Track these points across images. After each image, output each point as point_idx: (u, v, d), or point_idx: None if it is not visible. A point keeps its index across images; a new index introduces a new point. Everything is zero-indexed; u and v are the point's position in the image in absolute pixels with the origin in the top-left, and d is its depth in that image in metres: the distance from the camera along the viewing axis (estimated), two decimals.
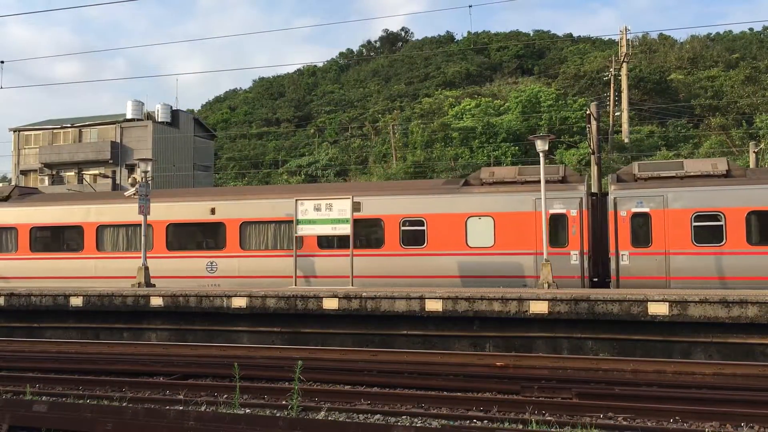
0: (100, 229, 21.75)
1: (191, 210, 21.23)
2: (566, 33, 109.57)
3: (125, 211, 21.27)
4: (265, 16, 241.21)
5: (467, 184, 20.09)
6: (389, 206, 19.68)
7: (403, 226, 19.50)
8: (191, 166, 58.48)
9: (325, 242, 19.90)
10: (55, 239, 22.42)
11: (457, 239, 18.99)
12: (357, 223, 18.77)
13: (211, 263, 20.60)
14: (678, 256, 17.53)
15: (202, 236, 21.33)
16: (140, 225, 19.63)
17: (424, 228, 19.36)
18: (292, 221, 18.91)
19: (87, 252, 21.72)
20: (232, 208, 20.79)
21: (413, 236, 19.45)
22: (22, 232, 22.50)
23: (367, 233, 19.93)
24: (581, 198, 18.31)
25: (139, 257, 19.48)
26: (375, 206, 19.53)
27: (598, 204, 19.11)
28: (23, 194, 24.38)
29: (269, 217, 20.51)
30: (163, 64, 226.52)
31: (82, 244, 21.81)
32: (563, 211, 18.32)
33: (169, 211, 21.22)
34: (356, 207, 18.22)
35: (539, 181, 17.48)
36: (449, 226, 19.10)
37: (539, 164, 17.48)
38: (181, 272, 20.68)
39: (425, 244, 19.28)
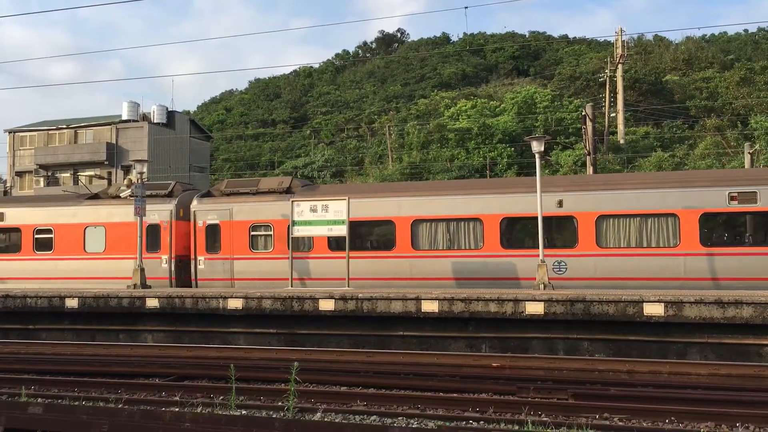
0: (415, 224, 19.29)
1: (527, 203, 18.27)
2: (562, 34, 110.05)
3: (442, 205, 19.11)
4: (261, 16, 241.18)
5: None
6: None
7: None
8: (187, 168, 58.41)
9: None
10: (364, 235, 20.36)
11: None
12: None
13: (559, 263, 18.11)
14: (239, 260, 20.22)
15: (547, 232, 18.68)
16: (461, 219, 18.64)
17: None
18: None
19: (399, 251, 19.25)
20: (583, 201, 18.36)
21: None
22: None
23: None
24: (171, 210, 21.08)
25: (461, 256, 18.40)
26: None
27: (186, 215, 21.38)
28: (305, 187, 22.21)
29: None
30: (159, 65, 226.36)
31: (394, 241, 19.35)
32: (158, 221, 21.05)
33: (504, 203, 18.76)
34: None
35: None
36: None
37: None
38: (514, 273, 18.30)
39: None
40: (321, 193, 20.69)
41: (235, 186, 21.52)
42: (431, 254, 18.99)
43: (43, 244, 22.05)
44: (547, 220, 17.64)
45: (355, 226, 19.18)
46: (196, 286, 20.34)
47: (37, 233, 22.08)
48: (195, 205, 20.99)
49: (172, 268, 20.86)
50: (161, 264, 20.85)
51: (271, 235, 20.20)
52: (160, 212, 20.93)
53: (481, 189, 19.70)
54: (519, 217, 18.57)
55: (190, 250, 20.85)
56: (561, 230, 18.66)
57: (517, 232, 19.01)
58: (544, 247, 17.06)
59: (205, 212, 20.76)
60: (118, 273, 20.73)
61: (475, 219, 18.72)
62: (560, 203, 18.22)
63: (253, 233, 20.34)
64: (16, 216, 22.55)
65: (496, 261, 18.39)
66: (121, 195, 21.73)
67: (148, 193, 20.92)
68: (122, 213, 21.19)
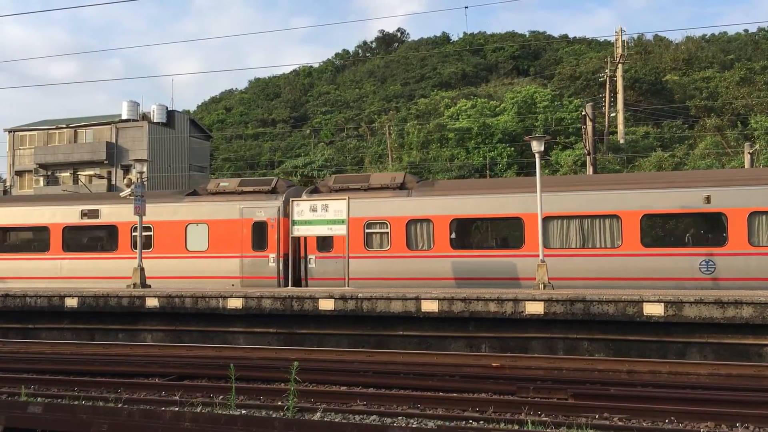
0: (545, 221, 18.22)
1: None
2: (562, 34, 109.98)
3: (576, 201, 18.37)
4: (262, 15, 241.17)
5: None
6: None
7: None
8: (187, 167, 58.40)
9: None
10: (482, 232, 19.93)
11: None
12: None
13: (707, 262, 17.11)
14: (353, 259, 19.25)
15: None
16: (596, 216, 18.02)
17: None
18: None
19: (528, 249, 18.37)
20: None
21: None
22: (440, 224, 19.20)
23: None
24: (278, 207, 20.38)
25: (596, 254, 17.77)
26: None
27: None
28: (420, 183, 21.51)
29: None
30: (159, 65, 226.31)
31: (522, 239, 18.64)
32: (264, 218, 20.38)
33: (645, 199, 17.79)
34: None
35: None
36: None
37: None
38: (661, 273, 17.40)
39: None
40: (439, 189, 19.62)
41: (344, 182, 20.82)
42: (563, 253, 18.18)
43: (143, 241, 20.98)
44: (691, 217, 17.47)
45: (465, 222, 18.87)
46: (307, 286, 19.59)
47: (135, 231, 20.89)
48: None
49: (281, 267, 20.09)
50: (268, 263, 20.11)
51: (387, 233, 19.43)
52: (266, 209, 20.18)
53: (619, 184, 18.81)
54: (662, 214, 17.84)
55: (300, 248, 20.01)
56: (708, 228, 17.88)
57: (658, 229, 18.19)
58: (690, 245, 16.99)
59: None
60: (221, 272, 20.20)
61: (612, 216, 17.99)
62: (707, 199, 17.46)
63: (367, 231, 19.60)
64: (112, 213, 21.81)
65: (636, 260, 17.65)
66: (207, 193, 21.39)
67: (249, 189, 20.78)
68: (226, 210, 20.67)
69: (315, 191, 20.80)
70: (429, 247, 19.11)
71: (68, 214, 22.20)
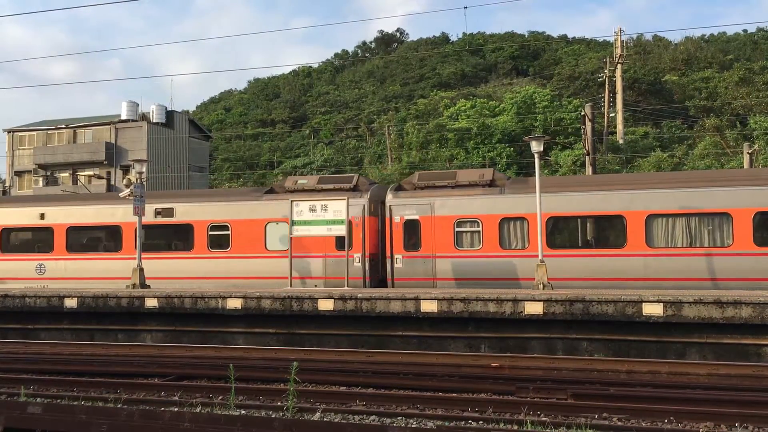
0: (650, 219, 17.66)
1: None
2: (561, 34, 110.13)
3: (681, 198, 17.65)
4: (261, 16, 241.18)
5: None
6: None
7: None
8: (186, 167, 58.41)
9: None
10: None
11: None
12: None
13: None
14: (442, 259, 18.85)
15: None
16: (704, 214, 17.36)
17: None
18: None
19: (630, 248, 17.75)
20: None
21: None
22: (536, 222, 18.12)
23: None
24: (364, 205, 19.63)
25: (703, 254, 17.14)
26: None
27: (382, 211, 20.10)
28: (511, 180, 21.01)
29: None
30: (159, 65, 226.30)
31: (625, 237, 17.83)
32: (348, 217, 19.27)
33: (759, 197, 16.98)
34: None
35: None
36: None
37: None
38: None
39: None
40: (532, 187, 18.40)
41: (430, 178, 20.12)
42: (668, 252, 17.42)
43: (220, 241, 20.66)
44: None
45: (563, 220, 18.36)
46: (392, 286, 18.99)
47: (212, 230, 20.62)
48: (391, 199, 19.57)
49: (367, 267, 19.38)
50: (354, 263, 19.29)
51: (479, 231, 18.70)
52: (350, 207, 19.13)
53: (729, 181, 18.04)
54: None
55: (385, 247, 19.48)
56: None
57: None
58: None
59: (403, 207, 19.34)
60: (304, 272, 19.57)
61: (722, 214, 17.29)
62: None
63: (458, 229, 18.92)
64: (187, 212, 21.15)
65: (749, 260, 16.92)
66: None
67: (330, 187, 20.17)
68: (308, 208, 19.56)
69: (399, 189, 20.09)
70: (523, 246, 18.40)
71: (72, 214, 21.83)
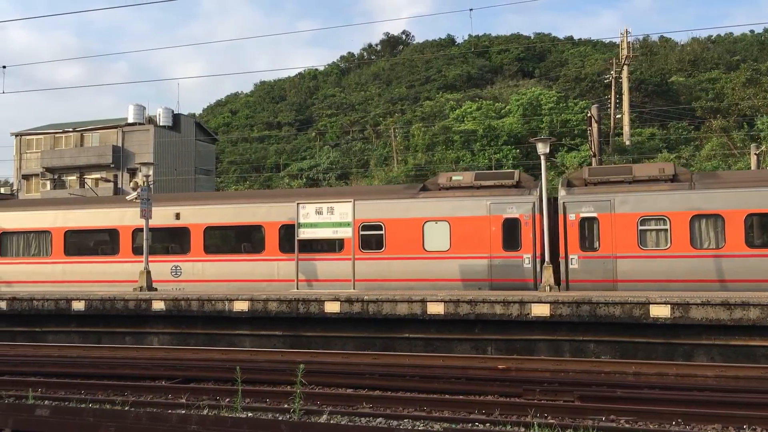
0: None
1: None
2: (567, 35, 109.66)
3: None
4: (267, 19, 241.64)
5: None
6: None
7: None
8: (193, 170, 58.53)
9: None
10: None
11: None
12: None
13: None
14: (623, 259, 17.70)
15: None
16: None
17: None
18: None
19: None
20: None
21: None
22: (732, 219, 17.51)
23: None
24: (533, 203, 18.52)
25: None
26: None
27: (550, 208, 18.66)
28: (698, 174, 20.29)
29: None
30: (165, 68, 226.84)
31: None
32: (516, 215, 18.48)
33: None
34: None
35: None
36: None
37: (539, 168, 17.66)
38: None
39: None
40: (729, 181, 17.34)
41: (602, 174, 19.13)
42: None
43: (372, 241, 19.70)
44: None
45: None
46: (567, 289, 17.74)
47: (362, 229, 19.61)
48: (564, 196, 18.47)
49: (537, 269, 18.08)
50: (523, 264, 18.32)
51: (666, 229, 17.49)
52: (518, 205, 18.30)
53: None
54: None
55: (558, 247, 18.25)
56: None
57: None
58: None
59: (578, 204, 18.15)
60: (467, 274, 18.53)
61: None
62: None
63: (641, 227, 17.75)
64: (257, 213, 20.45)
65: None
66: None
67: (491, 183, 19.25)
68: (470, 206, 18.90)
69: (569, 185, 19.11)
70: (718, 246, 17.18)
71: (210, 214, 21.08)
